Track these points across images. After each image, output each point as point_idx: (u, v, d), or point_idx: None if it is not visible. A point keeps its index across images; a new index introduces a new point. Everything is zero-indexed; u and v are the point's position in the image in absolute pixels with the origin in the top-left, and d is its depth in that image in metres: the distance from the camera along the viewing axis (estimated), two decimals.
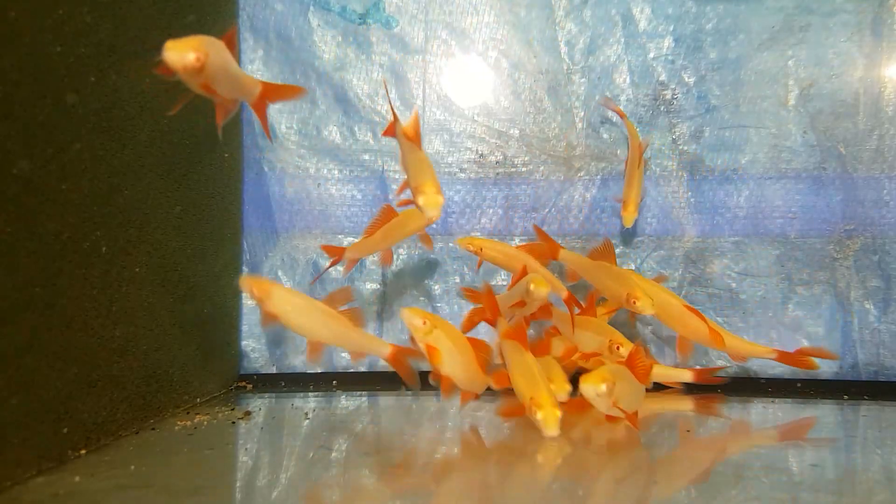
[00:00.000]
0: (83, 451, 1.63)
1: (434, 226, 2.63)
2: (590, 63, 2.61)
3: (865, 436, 2.06)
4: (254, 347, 2.62)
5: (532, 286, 1.92)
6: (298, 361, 2.62)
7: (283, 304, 1.78)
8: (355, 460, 1.68)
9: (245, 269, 2.62)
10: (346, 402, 2.33)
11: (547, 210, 2.61)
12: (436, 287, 2.63)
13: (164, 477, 1.52)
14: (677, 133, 2.59)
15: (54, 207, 1.56)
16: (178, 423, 1.96)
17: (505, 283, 2.58)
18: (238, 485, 1.56)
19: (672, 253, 2.58)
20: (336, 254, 2.29)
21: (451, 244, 2.63)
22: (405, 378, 1.89)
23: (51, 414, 1.54)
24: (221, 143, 2.47)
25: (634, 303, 2.01)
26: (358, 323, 1.86)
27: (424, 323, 1.79)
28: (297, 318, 1.80)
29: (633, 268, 2.59)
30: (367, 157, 2.64)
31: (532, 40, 2.62)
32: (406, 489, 1.50)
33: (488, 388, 1.96)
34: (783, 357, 2.24)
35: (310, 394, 2.43)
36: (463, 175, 2.63)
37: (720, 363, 2.50)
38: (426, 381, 1.89)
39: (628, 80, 2.60)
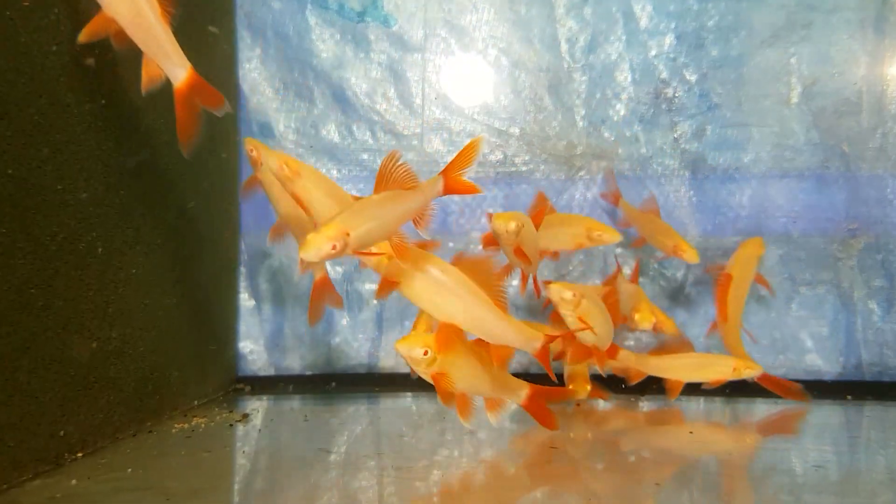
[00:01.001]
0: (80, 454, 1.62)
1: (433, 225, 2.61)
2: (591, 61, 2.59)
3: (869, 436, 2.05)
4: (252, 349, 2.61)
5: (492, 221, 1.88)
6: (297, 363, 2.61)
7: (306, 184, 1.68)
8: (354, 462, 1.67)
9: (243, 269, 2.61)
10: (345, 404, 2.32)
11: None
12: None
13: (161, 480, 1.51)
14: (679, 131, 2.57)
15: (50, 208, 1.54)
16: (176, 425, 1.94)
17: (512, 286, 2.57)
18: (236, 487, 1.55)
19: None
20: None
21: (450, 244, 2.61)
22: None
23: (47, 416, 1.53)
24: (219, 144, 2.46)
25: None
26: None
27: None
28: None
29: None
30: (365, 156, 2.62)
31: (532, 38, 2.61)
32: (406, 491, 1.48)
33: None
34: (764, 379, 2.22)
35: (308, 395, 2.42)
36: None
37: None
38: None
39: (629, 78, 2.58)
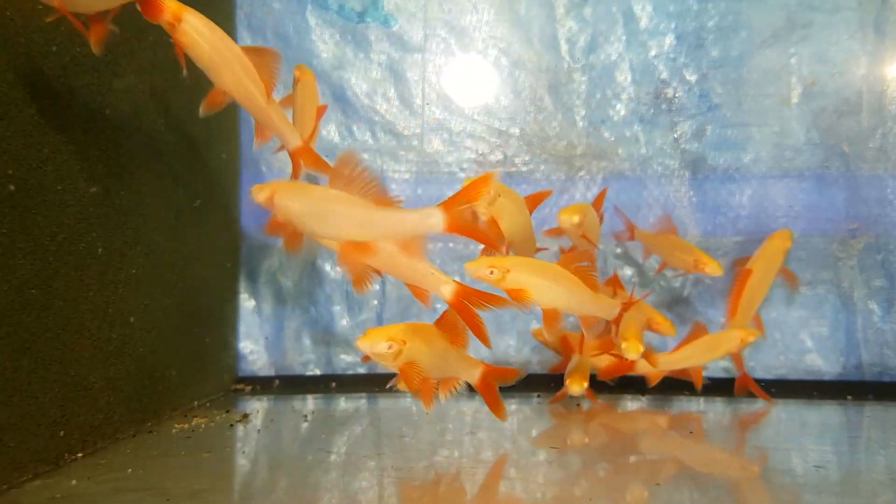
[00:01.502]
0: (80, 455, 1.62)
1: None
2: (591, 61, 2.59)
3: (869, 436, 2.05)
4: (252, 349, 2.61)
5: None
6: (297, 364, 2.61)
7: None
8: (355, 463, 1.67)
9: (243, 269, 2.61)
10: (346, 405, 2.32)
11: (548, 210, 2.59)
12: None
13: (161, 480, 1.51)
14: (679, 132, 2.57)
15: (50, 209, 1.54)
16: (176, 425, 1.94)
17: None
18: (236, 488, 1.54)
19: None
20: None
21: (450, 244, 2.61)
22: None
23: (47, 417, 1.53)
24: (219, 144, 2.46)
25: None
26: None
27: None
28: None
29: (635, 267, 2.58)
30: (365, 156, 2.62)
31: (532, 38, 2.61)
32: (406, 492, 1.48)
33: None
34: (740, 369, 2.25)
35: (308, 396, 2.42)
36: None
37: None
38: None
39: (629, 79, 2.58)
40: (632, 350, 1.93)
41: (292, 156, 1.77)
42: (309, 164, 1.76)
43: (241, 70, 1.60)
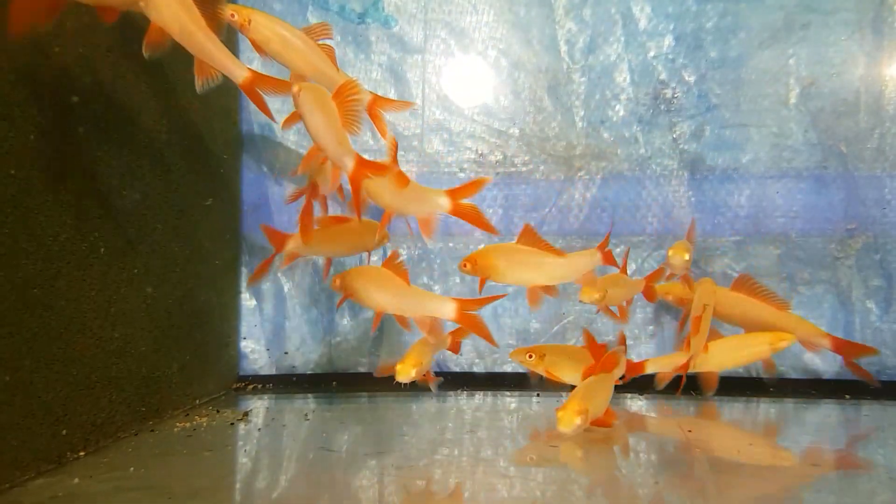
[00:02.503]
0: (82, 453, 1.63)
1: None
2: (590, 62, 2.60)
3: (867, 435, 2.05)
4: (253, 348, 2.61)
5: None
6: (298, 362, 2.62)
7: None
8: (355, 461, 1.67)
9: (244, 269, 2.62)
10: (346, 403, 2.32)
11: (547, 210, 2.61)
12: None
13: (162, 479, 1.52)
14: (678, 132, 2.58)
15: (53, 208, 1.55)
16: (178, 424, 1.95)
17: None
18: (237, 486, 1.55)
19: None
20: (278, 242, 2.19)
21: (450, 244, 2.62)
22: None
23: (49, 416, 1.54)
24: (220, 143, 2.46)
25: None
26: None
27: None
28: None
29: (634, 267, 2.58)
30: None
31: (532, 39, 2.62)
32: (406, 490, 1.49)
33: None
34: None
35: (309, 395, 2.43)
36: (462, 175, 2.62)
37: None
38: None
39: (628, 79, 2.59)
40: (564, 423, 1.72)
41: (246, 89, 1.67)
42: (269, 89, 1.70)
43: (176, 3, 1.56)
